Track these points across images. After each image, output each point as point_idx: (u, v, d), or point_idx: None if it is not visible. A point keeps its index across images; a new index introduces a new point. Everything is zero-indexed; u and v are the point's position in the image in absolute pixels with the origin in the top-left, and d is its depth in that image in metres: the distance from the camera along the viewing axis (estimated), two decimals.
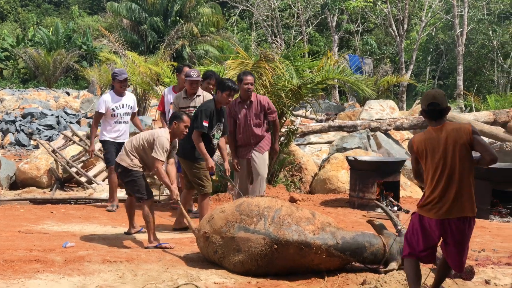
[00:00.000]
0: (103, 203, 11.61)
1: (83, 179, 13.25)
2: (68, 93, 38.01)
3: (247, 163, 10.13)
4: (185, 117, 8.30)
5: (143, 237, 8.61)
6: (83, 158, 14.09)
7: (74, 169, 13.41)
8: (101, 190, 12.38)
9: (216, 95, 9.28)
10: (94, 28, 52.60)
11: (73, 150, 14.77)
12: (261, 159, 10.07)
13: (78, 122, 23.83)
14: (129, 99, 11.27)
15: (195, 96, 10.41)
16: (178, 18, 47.24)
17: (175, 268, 6.96)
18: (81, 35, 52.79)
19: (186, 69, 10.86)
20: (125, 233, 8.96)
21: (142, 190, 8.26)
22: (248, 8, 42.23)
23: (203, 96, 10.40)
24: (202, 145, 8.90)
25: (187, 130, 8.37)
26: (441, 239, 5.87)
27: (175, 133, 8.30)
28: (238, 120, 9.96)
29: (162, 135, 8.15)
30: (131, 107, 11.23)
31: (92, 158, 12.65)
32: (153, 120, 20.48)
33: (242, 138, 10.02)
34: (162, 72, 18.30)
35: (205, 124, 8.94)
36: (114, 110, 11.01)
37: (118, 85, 11.03)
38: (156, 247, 8.01)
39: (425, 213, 5.79)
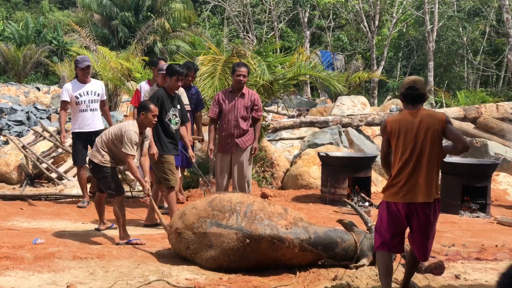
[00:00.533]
0: (73, 199, 11.53)
1: (53, 175, 13.14)
2: (38, 88, 37.66)
3: (228, 158, 9.90)
4: (152, 107, 8.17)
5: (114, 233, 8.57)
6: (54, 154, 13.98)
7: (44, 165, 13.30)
8: (71, 186, 12.29)
9: (167, 81, 9.34)
10: (64, 23, 52.14)
11: (43, 145, 14.63)
12: (245, 157, 9.89)
13: (49, 118, 23.60)
14: (95, 86, 11.09)
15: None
16: (149, 13, 47.03)
17: (146, 264, 6.94)
18: (51, 30, 52.31)
19: (162, 62, 10.76)
20: (95, 229, 8.92)
21: (113, 186, 8.20)
22: (220, 4, 42.15)
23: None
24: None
25: (155, 120, 8.27)
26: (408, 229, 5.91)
27: (144, 124, 8.20)
28: (223, 110, 9.78)
29: (130, 128, 8.05)
30: (98, 94, 11.04)
31: (64, 144, 12.43)
32: (125, 115, 20.40)
33: (225, 128, 9.79)
34: (133, 68, 18.20)
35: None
36: (77, 98, 10.84)
37: (80, 73, 10.89)
38: (127, 243, 7.97)
39: (392, 197, 5.80)
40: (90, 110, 10.92)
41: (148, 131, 8.53)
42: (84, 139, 10.85)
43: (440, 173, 11.45)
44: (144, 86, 11.10)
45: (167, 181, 9.08)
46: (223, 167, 9.90)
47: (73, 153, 11.13)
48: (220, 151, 9.89)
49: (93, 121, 10.94)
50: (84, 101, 10.88)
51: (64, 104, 10.98)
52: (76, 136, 10.96)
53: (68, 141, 12.75)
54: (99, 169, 8.22)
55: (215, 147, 9.93)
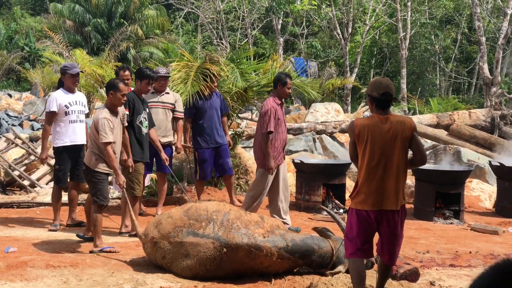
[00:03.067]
0: (46, 207, 11.43)
1: (26, 183, 13.03)
2: (10, 95, 37.33)
3: (276, 171, 9.53)
4: (121, 85, 8.14)
5: (87, 241, 8.50)
6: (26, 161, 13.87)
7: (16, 172, 13.19)
8: (44, 193, 12.19)
9: (136, 85, 9.34)
10: (36, 29, 51.79)
11: (15, 153, 14.52)
12: (285, 167, 9.84)
13: (21, 125, 23.42)
14: (82, 97, 10.05)
15: (164, 92, 10.44)
16: (122, 20, 46.86)
17: (121, 272, 6.89)
18: (23, 36, 51.94)
19: (160, 68, 10.69)
20: (77, 235, 8.82)
21: (99, 194, 8.10)
22: (193, 11, 42.11)
23: (173, 94, 10.54)
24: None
25: (125, 99, 8.22)
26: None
27: (113, 104, 8.15)
28: (282, 122, 9.46)
29: (99, 116, 8.01)
30: (84, 105, 9.93)
31: (44, 164, 11.37)
32: None
33: (279, 140, 9.44)
34: (106, 74, 18.11)
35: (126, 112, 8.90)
36: (67, 107, 9.62)
37: (70, 81, 9.71)
38: (101, 251, 7.91)
39: (360, 205, 5.76)
40: (80, 121, 9.80)
41: (124, 110, 8.50)
42: (74, 154, 9.72)
43: (414, 180, 11.55)
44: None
45: (132, 190, 8.97)
46: (270, 180, 9.57)
47: (59, 172, 9.74)
48: (276, 163, 9.45)
49: (82, 133, 9.81)
50: (74, 111, 9.71)
51: (51, 116, 9.63)
52: (66, 150, 9.66)
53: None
54: (90, 172, 8.15)
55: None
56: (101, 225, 8.16)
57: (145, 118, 9.23)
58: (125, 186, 8.24)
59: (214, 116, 10.74)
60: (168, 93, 10.48)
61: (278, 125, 9.31)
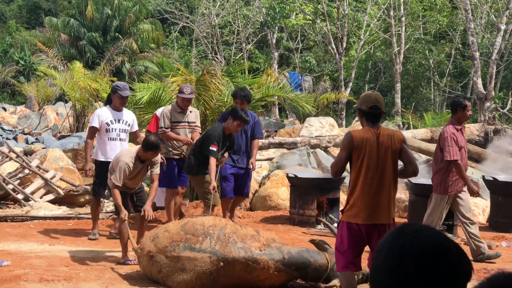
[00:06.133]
0: (40, 220, 11.42)
1: (20, 196, 13.00)
2: (4, 109, 37.29)
3: None
4: (161, 146, 8.42)
5: (81, 255, 8.50)
6: (20, 175, 13.83)
7: (10, 186, 13.16)
8: (38, 207, 12.16)
9: (227, 121, 9.53)
10: (32, 43, 51.80)
11: (9, 166, 14.49)
12: None
13: (15, 138, 23.39)
14: (127, 115, 10.20)
15: (188, 111, 10.47)
16: (117, 34, 46.90)
17: (115, 286, 6.89)
18: (18, 50, 51.95)
19: (185, 86, 10.57)
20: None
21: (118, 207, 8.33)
22: (188, 25, 42.22)
23: (194, 112, 10.59)
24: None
25: (156, 158, 8.54)
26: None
27: (145, 157, 8.41)
28: (463, 149, 9.33)
29: (122, 159, 8.28)
30: (129, 125, 10.11)
31: (89, 176, 11.21)
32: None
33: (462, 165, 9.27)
34: (101, 88, 18.15)
35: (213, 148, 9.22)
36: (108, 125, 9.89)
37: (118, 101, 9.89)
38: (124, 263, 8.15)
39: (353, 218, 5.79)
40: (120, 140, 9.99)
41: (158, 158, 8.73)
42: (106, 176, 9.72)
43: (408, 194, 11.56)
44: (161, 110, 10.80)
45: (207, 200, 9.60)
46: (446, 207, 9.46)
47: (95, 184, 10.11)
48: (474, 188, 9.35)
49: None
50: (115, 130, 9.94)
51: (93, 131, 9.99)
52: (102, 165, 9.79)
53: (34, 162, 12.60)
54: (109, 189, 8.58)
55: None
56: (125, 237, 8.23)
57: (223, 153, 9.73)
58: (126, 219, 8.30)
59: (242, 138, 10.79)
60: (191, 111, 10.55)
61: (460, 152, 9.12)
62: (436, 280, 1.79)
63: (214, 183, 9.22)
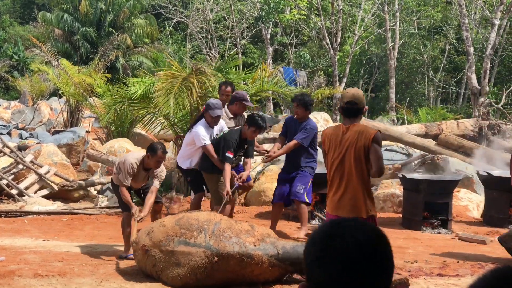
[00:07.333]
0: (34, 216, 11.40)
1: (14, 192, 12.98)
2: None
3: None
4: (159, 153, 8.22)
5: (75, 250, 8.50)
6: (14, 170, 13.81)
7: (4, 181, 13.14)
8: (32, 202, 12.15)
9: (243, 127, 9.37)
10: (25, 38, 51.66)
11: (3, 161, 14.46)
12: None
13: (9, 133, 23.33)
14: (217, 129, 9.84)
15: (238, 116, 10.40)
16: (111, 29, 46.77)
17: (109, 281, 6.88)
18: (12, 45, 51.82)
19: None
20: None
21: (122, 203, 8.61)
22: (182, 20, 42.13)
23: (239, 116, 10.45)
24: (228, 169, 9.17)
25: (158, 166, 8.45)
26: None
27: (146, 163, 8.38)
28: None
29: (129, 158, 8.42)
30: (216, 134, 9.78)
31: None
32: (87, 131, 20.23)
33: None
34: (95, 83, 18.12)
35: (228, 155, 9.11)
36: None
37: (209, 119, 9.59)
38: (126, 257, 8.19)
39: (328, 209, 6.14)
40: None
41: (162, 171, 8.67)
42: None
43: (402, 189, 11.57)
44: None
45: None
46: None
47: (190, 182, 10.48)
48: None
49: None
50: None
51: (209, 147, 9.53)
52: (188, 171, 9.97)
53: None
54: (115, 186, 8.69)
55: None
56: (128, 232, 8.31)
57: (240, 157, 9.67)
58: (136, 217, 8.30)
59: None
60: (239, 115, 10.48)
61: None
62: (358, 277, 1.82)
63: (228, 189, 9.10)
